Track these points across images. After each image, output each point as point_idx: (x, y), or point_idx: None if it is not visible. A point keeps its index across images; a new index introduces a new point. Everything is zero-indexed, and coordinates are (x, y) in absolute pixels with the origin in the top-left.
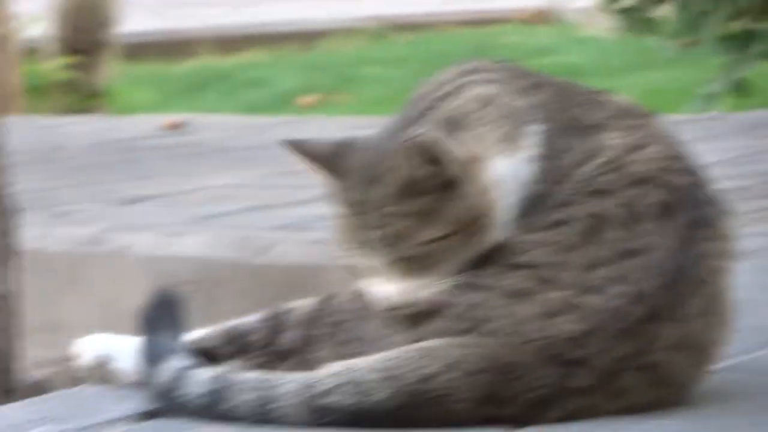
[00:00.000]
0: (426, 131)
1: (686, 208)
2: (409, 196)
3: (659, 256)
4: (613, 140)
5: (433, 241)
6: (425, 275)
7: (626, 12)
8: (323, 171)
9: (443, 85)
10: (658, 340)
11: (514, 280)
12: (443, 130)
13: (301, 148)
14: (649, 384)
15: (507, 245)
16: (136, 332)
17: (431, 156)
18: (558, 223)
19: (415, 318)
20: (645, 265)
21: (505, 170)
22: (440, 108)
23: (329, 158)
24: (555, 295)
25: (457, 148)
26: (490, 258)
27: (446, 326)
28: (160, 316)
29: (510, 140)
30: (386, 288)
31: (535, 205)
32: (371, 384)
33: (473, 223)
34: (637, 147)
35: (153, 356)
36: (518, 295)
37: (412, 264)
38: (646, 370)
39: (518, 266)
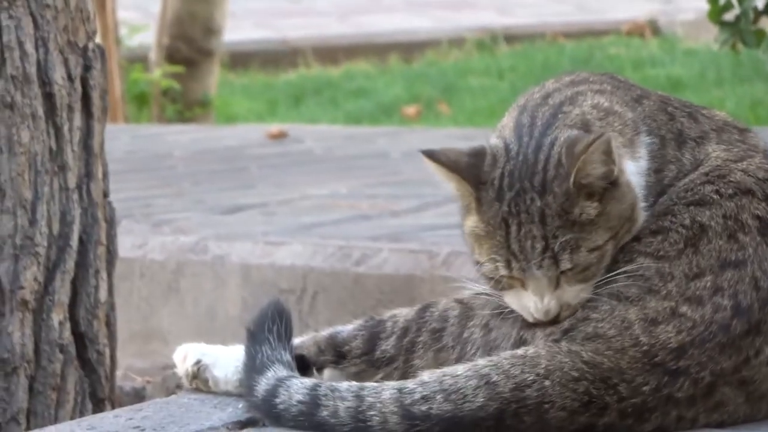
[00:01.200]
0: (593, 132)
1: None
2: (580, 202)
3: (758, 270)
4: (715, 152)
5: (596, 249)
6: (577, 285)
7: (731, 24)
8: (462, 181)
9: (554, 93)
10: (755, 356)
11: (618, 285)
12: (582, 131)
13: (438, 158)
14: (746, 399)
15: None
16: (240, 341)
17: (609, 155)
18: (660, 231)
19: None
20: (743, 277)
21: (631, 169)
22: (565, 114)
23: (469, 168)
24: (659, 304)
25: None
26: None
27: (550, 329)
28: (267, 327)
29: (629, 147)
30: (533, 300)
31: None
32: (467, 391)
33: (627, 221)
34: (738, 159)
35: (255, 366)
36: (623, 301)
37: (569, 276)
38: (744, 384)
39: (623, 273)
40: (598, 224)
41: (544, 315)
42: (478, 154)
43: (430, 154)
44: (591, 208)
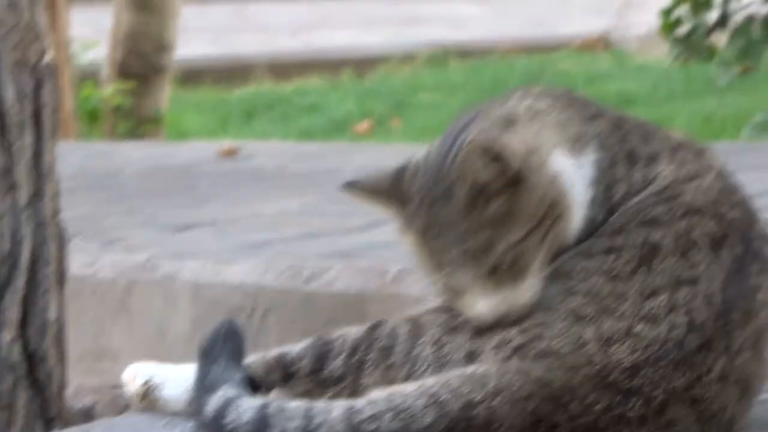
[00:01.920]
0: (478, 132)
1: (737, 241)
2: (481, 203)
3: (710, 287)
4: (667, 171)
5: (515, 244)
6: (515, 283)
7: (683, 40)
8: (387, 205)
9: (494, 102)
10: (707, 373)
11: (573, 305)
12: (496, 128)
13: (360, 187)
14: (696, 418)
15: (565, 270)
16: (191, 360)
17: (492, 154)
18: (613, 250)
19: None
20: (696, 294)
21: (565, 166)
22: (488, 113)
23: (389, 190)
24: (613, 323)
25: (514, 140)
26: (551, 280)
27: (500, 339)
28: (220, 347)
29: (569, 143)
30: (479, 304)
31: (591, 231)
32: (415, 410)
33: (549, 214)
34: (690, 178)
35: (205, 385)
36: (577, 319)
37: (500, 274)
38: (695, 403)
39: (577, 292)
40: (509, 220)
41: (493, 317)
42: (400, 171)
43: (349, 186)
44: (498, 206)
